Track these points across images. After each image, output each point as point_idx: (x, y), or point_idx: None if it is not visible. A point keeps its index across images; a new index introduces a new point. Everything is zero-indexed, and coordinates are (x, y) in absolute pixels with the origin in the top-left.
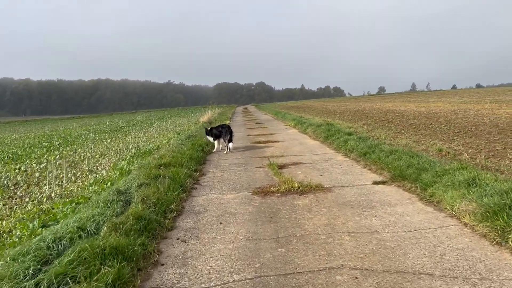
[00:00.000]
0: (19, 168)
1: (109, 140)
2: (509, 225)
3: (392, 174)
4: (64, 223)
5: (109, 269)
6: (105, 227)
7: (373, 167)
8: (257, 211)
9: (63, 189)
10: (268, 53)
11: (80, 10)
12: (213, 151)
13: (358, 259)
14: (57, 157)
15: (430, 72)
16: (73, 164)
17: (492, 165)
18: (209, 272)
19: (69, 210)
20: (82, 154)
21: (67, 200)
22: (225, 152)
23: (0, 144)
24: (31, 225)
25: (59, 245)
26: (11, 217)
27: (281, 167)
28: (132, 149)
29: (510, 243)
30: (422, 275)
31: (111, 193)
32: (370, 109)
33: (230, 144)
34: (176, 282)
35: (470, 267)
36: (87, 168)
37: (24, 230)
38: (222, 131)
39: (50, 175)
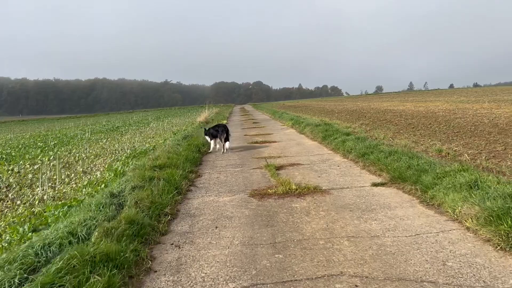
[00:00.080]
0: (12, 170)
1: (104, 140)
2: None
3: (391, 175)
4: (54, 228)
5: (98, 278)
6: (96, 233)
7: (372, 168)
8: (253, 214)
9: (56, 191)
10: (266, 52)
11: (78, 10)
12: (210, 151)
13: (358, 265)
14: (51, 158)
15: (428, 71)
16: (67, 165)
17: (493, 167)
18: (204, 280)
19: (61, 213)
20: (77, 154)
21: (60, 203)
22: (221, 152)
23: None
24: (21, 229)
25: (48, 252)
26: (1, 221)
27: (279, 168)
28: (127, 149)
29: None
30: (425, 283)
31: (104, 196)
32: (368, 108)
33: (227, 143)
34: None
35: (474, 275)
36: (81, 170)
37: (14, 235)
38: (219, 131)
39: (43, 176)
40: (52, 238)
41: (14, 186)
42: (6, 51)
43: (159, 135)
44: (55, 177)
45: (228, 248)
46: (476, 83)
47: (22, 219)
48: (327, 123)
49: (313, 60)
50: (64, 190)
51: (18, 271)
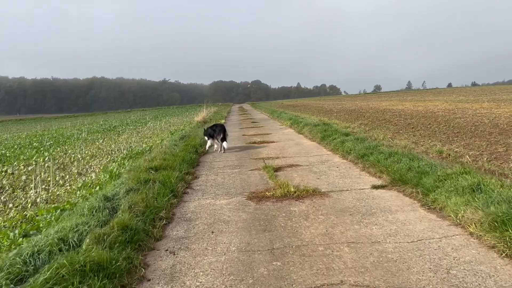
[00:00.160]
0: (6, 171)
1: (101, 140)
2: None
3: (391, 177)
4: (45, 234)
5: None
6: (88, 239)
7: (372, 170)
8: (251, 218)
9: (50, 194)
10: (265, 51)
11: (78, 10)
12: (207, 148)
13: (358, 274)
14: (46, 158)
15: (426, 70)
16: (62, 166)
17: (495, 169)
18: None
19: (53, 217)
20: (73, 155)
21: (53, 206)
22: (218, 151)
23: None
24: (12, 234)
25: (37, 260)
26: None
27: (277, 169)
28: (124, 150)
29: None
30: None
31: (97, 199)
32: (367, 108)
33: (224, 143)
34: None
35: (479, 284)
36: (76, 171)
37: (4, 241)
38: (216, 131)
39: (37, 178)
40: (42, 245)
41: (7, 188)
42: (5, 50)
43: (156, 135)
44: (49, 178)
45: (225, 254)
46: (474, 82)
47: (13, 223)
48: (326, 123)
49: (312, 59)
50: (58, 193)
51: (4, 281)
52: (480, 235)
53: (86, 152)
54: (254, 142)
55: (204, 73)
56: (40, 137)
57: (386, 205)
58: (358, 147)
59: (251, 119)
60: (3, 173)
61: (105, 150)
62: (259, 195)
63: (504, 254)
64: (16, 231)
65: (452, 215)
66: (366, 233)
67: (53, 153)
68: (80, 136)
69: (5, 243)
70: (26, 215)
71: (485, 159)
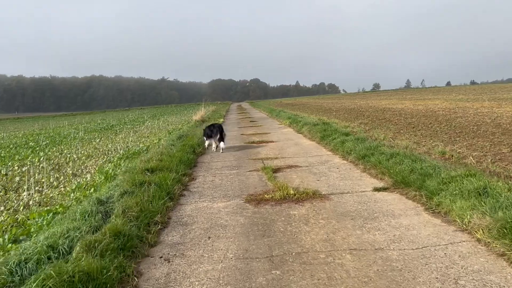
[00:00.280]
0: None
1: (98, 140)
2: None
3: (394, 179)
4: (34, 240)
5: None
6: (78, 247)
7: (373, 171)
8: (249, 222)
9: (43, 196)
10: (264, 51)
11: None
12: (206, 147)
13: (362, 284)
14: (41, 159)
15: (424, 68)
16: (57, 167)
17: (500, 171)
18: None
19: (45, 221)
20: (68, 155)
21: (45, 209)
22: (215, 150)
23: None
24: (1, 239)
25: (24, 270)
26: None
27: (276, 170)
28: (120, 150)
29: None
30: None
31: (90, 203)
32: (366, 106)
33: (221, 143)
34: None
35: None
36: (71, 172)
37: None
38: (213, 131)
39: (31, 179)
40: (30, 253)
41: (0, 190)
42: (3, 49)
43: (154, 134)
44: (43, 180)
45: (221, 262)
46: (473, 80)
47: (3, 228)
48: (325, 122)
49: (311, 59)
50: (51, 195)
51: None
52: (488, 242)
53: (82, 152)
54: (253, 142)
55: (203, 71)
56: (37, 136)
57: (388, 209)
58: (358, 147)
59: (249, 118)
60: None
61: (101, 150)
62: (258, 197)
63: None
64: (6, 236)
65: (458, 220)
66: (368, 239)
67: (49, 153)
68: (77, 135)
69: None
70: (17, 219)
71: (490, 160)
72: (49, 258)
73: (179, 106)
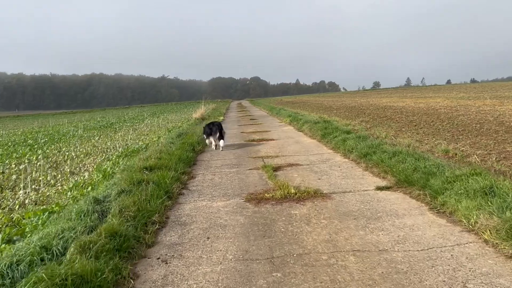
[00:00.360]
0: None
1: (97, 138)
2: None
3: (396, 178)
4: (27, 241)
5: None
6: (72, 248)
7: (375, 170)
8: (249, 222)
9: (40, 194)
10: (264, 51)
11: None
12: (207, 144)
13: (366, 287)
14: (39, 156)
15: (424, 68)
16: (55, 165)
17: (506, 169)
18: None
19: (40, 221)
20: (67, 153)
21: (41, 208)
22: (214, 148)
23: None
24: None
25: (16, 272)
26: None
27: (276, 169)
28: (119, 148)
29: None
30: None
31: (87, 202)
32: (367, 104)
33: (221, 141)
34: None
35: None
36: (68, 170)
37: None
38: (213, 129)
39: (27, 178)
40: (23, 254)
41: None
42: (4, 47)
43: (153, 132)
44: (40, 178)
45: (221, 264)
46: (474, 78)
47: None
48: (326, 120)
49: (311, 59)
50: (48, 193)
51: None
52: (496, 243)
53: (81, 150)
54: (253, 140)
55: (203, 69)
56: (36, 134)
57: (392, 208)
58: (360, 145)
59: (250, 116)
60: None
61: (100, 148)
62: (258, 196)
63: None
64: (0, 236)
65: (464, 220)
66: (372, 240)
67: (47, 151)
68: (76, 133)
69: None
70: (12, 218)
71: (494, 158)
72: (42, 259)
73: (179, 104)
